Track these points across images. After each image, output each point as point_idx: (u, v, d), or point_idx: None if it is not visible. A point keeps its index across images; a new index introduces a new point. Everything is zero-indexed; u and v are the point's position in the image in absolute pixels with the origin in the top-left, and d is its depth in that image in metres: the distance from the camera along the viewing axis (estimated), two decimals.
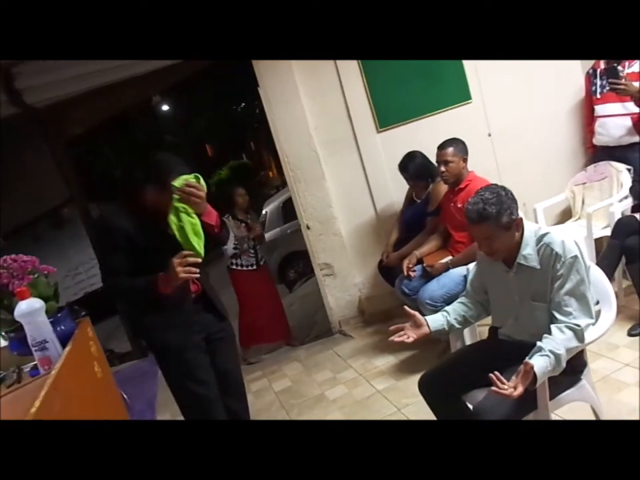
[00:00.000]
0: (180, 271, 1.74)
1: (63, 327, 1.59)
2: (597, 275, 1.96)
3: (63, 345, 1.52)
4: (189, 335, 2.02)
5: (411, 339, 1.86)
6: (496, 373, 1.55)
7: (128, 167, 10.84)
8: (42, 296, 1.52)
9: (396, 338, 1.87)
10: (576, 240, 1.78)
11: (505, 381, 1.54)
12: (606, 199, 3.28)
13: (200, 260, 1.79)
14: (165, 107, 12.76)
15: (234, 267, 3.97)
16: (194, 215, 1.82)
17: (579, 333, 1.67)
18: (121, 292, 1.94)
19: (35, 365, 1.52)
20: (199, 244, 1.81)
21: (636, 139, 3.22)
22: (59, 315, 1.62)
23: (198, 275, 1.81)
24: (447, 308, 2.02)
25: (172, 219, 1.79)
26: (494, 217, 1.70)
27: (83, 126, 5.55)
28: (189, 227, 1.79)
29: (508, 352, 1.80)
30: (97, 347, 1.76)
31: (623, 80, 3.00)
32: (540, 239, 1.78)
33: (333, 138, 3.71)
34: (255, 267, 3.99)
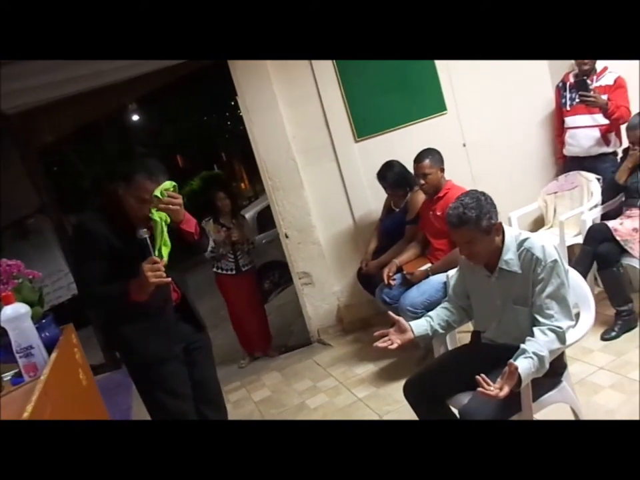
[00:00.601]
0: (150, 276, 1.70)
1: (47, 333, 1.55)
2: (576, 278, 2.03)
3: (48, 352, 1.48)
4: (171, 344, 1.98)
5: (395, 345, 1.87)
6: (482, 375, 1.58)
7: (97, 176, 10.66)
8: (26, 301, 1.48)
9: (380, 344, 1.87)
10: (555, 245, 1.84)
11: (490, 382, 1.57)
12: (577, 207, 3.38)
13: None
14: (136, 117, 12.62)
15: (215, 269, 3.98)
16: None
17: (560, 335, 1.72)
18: (97, 300, 1.88)
19: (17, 372, 1.48)
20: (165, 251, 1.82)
21: (604, 149, 3.34)
22: (44, 320, 1.58)
23: (169, 280, 1.78)
24: (430, 313, 2.05)
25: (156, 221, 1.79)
26: (474, 221, 1.75)
27: (53, 134, 5.44)
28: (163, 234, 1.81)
29: (491, 355, 1.84)
30: (81, 354, 1.72)
31: (592, 92, 3.12)
32: (521, 244, 1.83)
33: (312, 147, 3.74)
34: (234, 272, 3.95)
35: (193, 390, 2.06)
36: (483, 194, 1.83)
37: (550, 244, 1.81)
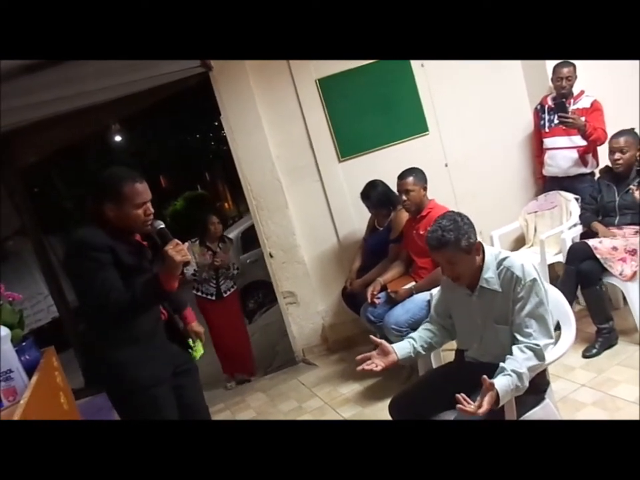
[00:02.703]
0: (175, 255, 1.69)
1: (27, 356, 1.52)
2: (557, 296, 2.05)
3: (28, 375, 1.45)
4: (163, 368, 1.91)
5: (379, 368, 1.87)
6: (462, 394, 1.59)
7: (80, 197, 10.59)
8: (6, 323, 1.46)
9: (365, 367, 1.87)
10: (534, 264, 1.86)
11: (470, 401, 1.58)
12: (557, 226, 3.44)
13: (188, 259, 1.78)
14: (119, 138, 12.57)
15: (195, 291, 3.93)
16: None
17: (538, 352, 1.73)
18: (125, 306, 1.73)
19: None
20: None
21: (583, 170, 3.41)
22: (24, 343, 1.55)
23: (190, 258, 1.78)
24: (412, 334, 2.05)
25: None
26: (453, 243, 1.77)
27: (36, 155, 5.40)
28: None
29: (475, 373, 1.83)
30: (62, 377, 1.69)
31: (571, 114, 3.20)
32: (500, 262, 1.85)
33: (296, 167, 3.77)
34: (214, 297, 3.92)
35: (182, 414, 1.99)
36: (460, 215, 1.85)
37: (529, 263, 1.84)
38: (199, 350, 2.20)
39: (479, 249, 1.84)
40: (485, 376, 1.61)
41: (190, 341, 2.17)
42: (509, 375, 1.65)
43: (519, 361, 1.69)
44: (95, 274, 1.71)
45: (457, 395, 1.58)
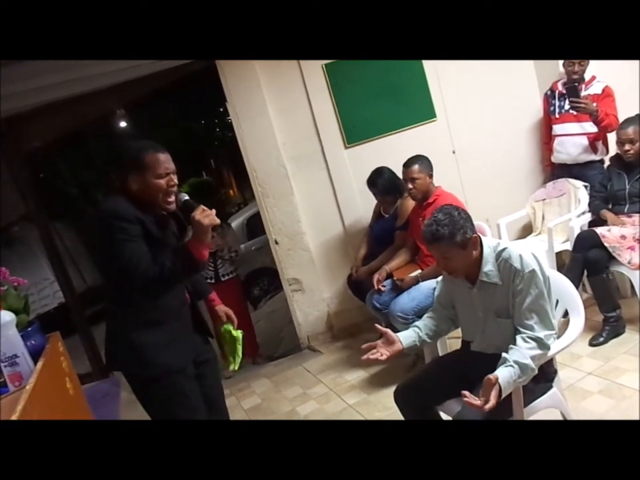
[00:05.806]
0: (202, 219, 1.62)
1: (33, 342, 1.52)
2: (565, 284, 2.03)
3: (34, 360, 1.45)
4: (186, 354, 1.86)
5: (384, 357, 1.86)
6: (466, 392, 1.58)
7: (84, 183, 10.60)
8: (11, 308, 1.45)
9: (370, 356, 1.86)
10: (534, 253, 1.83)
11: (475, 398, 1.57)
12: (565, 214, 3.41)
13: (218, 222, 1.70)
14: (124, 123, 12.52)
15: None
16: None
17: (542, 342, 1.72)
18: (157, 279, 1.65)
19: (2, 381, 1.44)
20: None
21: (592, 157, 3.37)
22: (29, 329, 1.55)
23: (219, 221, 1.69)
24: (417, 323, 2.04)
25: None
26: (447, 237, 1.74)
27: (40, 140, 5.39)
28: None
29: (481, 362, 1.83)
30: (67, 362, 1.69)
31: (582, 99, 3.15)
32: (499, 254, 1.82)
33: (301, 153, 3.74)
34: (212, 281, 3.91)
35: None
36: (457, 209, 1.82)
37: (528, 253, 1.81)
38: (237, 333, 2.13)
39: (475, 243, 1.81)
40: (489, 376, 1.58)
41: (227, 326, 2.13)
42: (510, 366, 1.64)
43: (522, 351, 1.68)
44: (124, 245, 1.64)
45: (464, 392, 1.57)
